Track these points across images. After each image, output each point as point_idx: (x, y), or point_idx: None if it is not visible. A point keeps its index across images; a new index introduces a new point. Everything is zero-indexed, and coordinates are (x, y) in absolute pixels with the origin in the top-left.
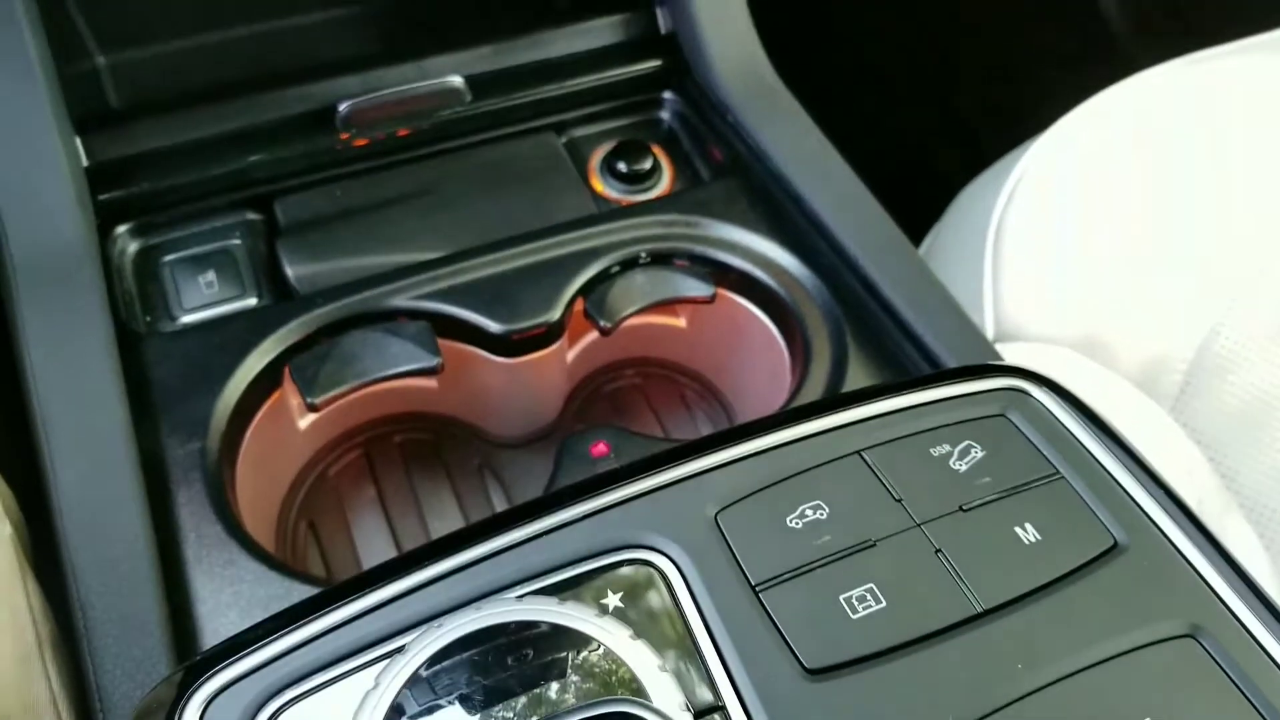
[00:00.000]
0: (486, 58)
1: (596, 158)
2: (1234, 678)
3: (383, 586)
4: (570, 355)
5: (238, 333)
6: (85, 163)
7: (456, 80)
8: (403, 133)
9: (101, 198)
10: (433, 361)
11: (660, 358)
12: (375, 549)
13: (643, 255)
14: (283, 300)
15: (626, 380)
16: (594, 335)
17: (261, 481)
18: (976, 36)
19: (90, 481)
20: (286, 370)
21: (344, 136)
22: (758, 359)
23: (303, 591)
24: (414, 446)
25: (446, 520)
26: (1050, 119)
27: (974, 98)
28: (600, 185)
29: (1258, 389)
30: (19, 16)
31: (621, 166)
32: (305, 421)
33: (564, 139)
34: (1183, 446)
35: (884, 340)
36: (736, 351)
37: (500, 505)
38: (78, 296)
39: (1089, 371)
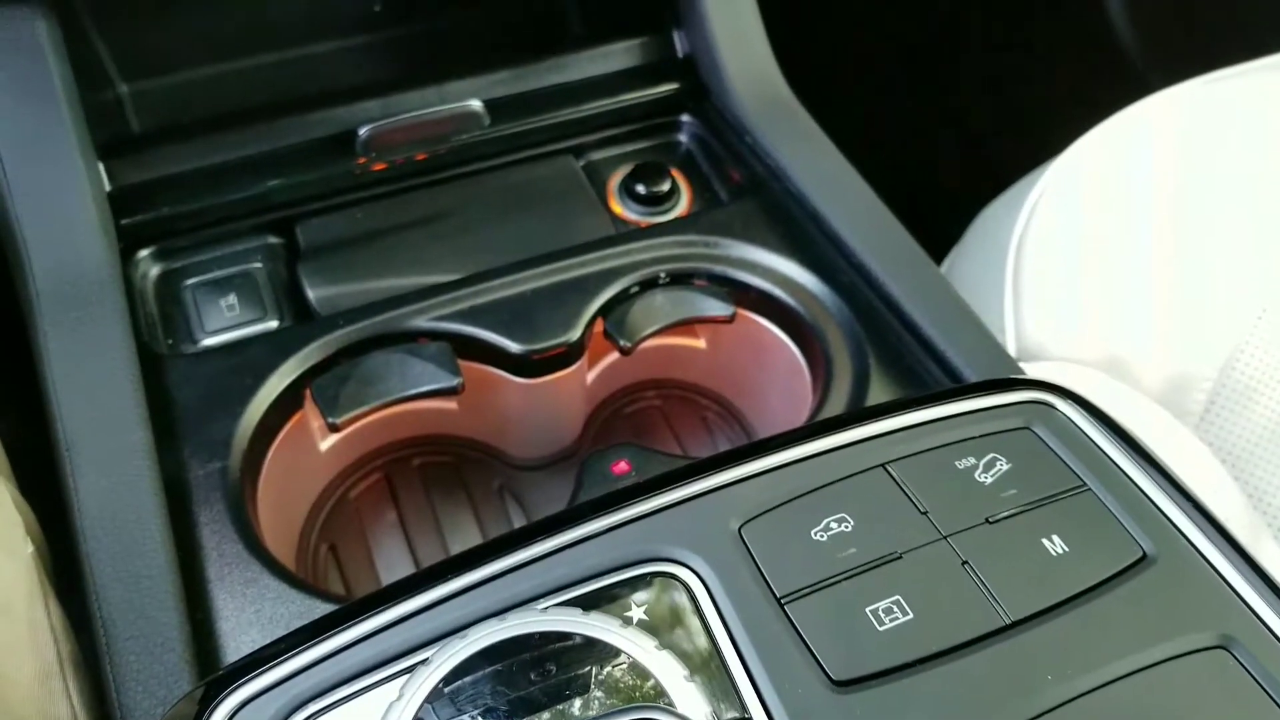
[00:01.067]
0: (505, 82)
1: (615, 180)
2: (1267, 689)
3: (406, 600)
4: (590, 376)
5: (259, 355)
6: (108, 187)
7: (475, 104)
8: (421, 156)
9: (124, 222)
10: (453, 381)
11: (680, 379)
12: (396, 572)
13: (662, 276)
14: (304, 322)
15: (646, 402)
16: (614, 356)
17: (283, 503)
18: (985, 55)
19: (112, 501)
20: (308, 391)
21: (363, 160)
22: (778, 379)
23: (324, 609)
24: (434, 469)
25: (467, 543)
26: (1062, 139)
27: (982, 116)
28: (619, 208)
29: None
30: (43, 45)
31: (640, 189)
32: (326, 444)
33: (582, 162)
34: (1209, 465)
35: (906, 358)
36: (757, 371)
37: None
38: (100, 320)
39: (1112, 390)
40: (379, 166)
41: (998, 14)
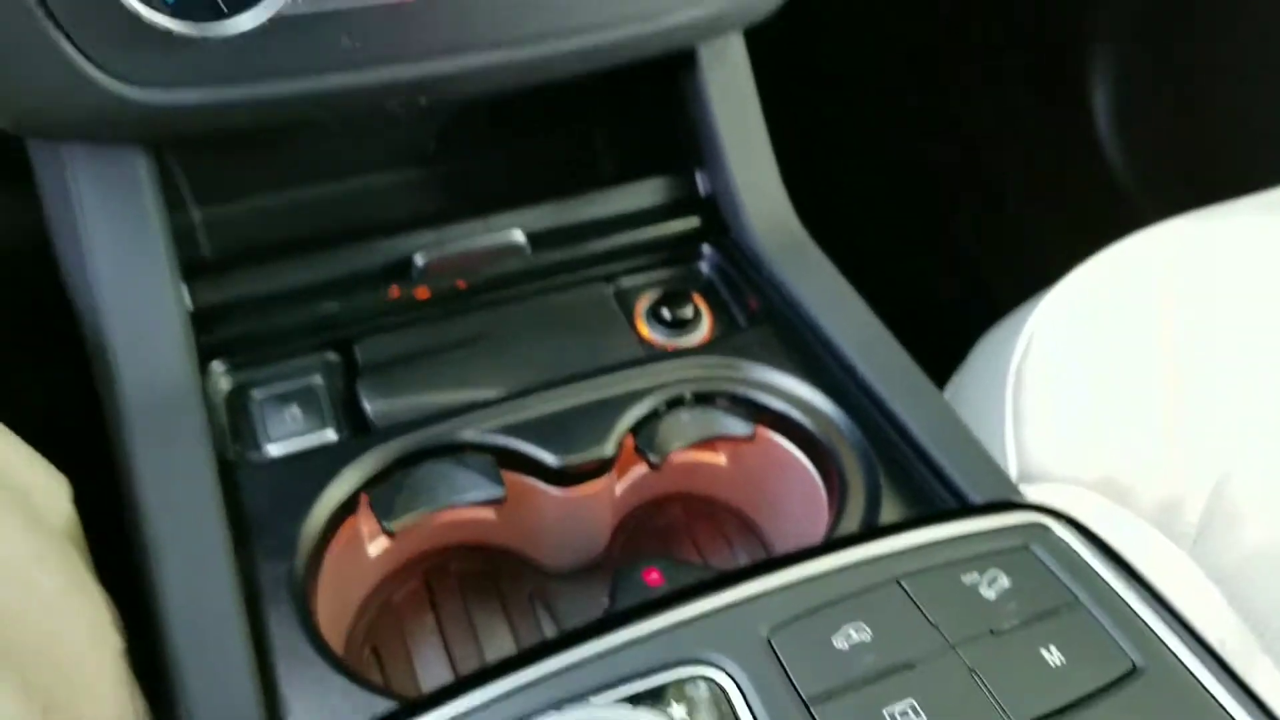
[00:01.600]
0: (544, 215)
1: (642, 305)
2: None
3: (471, 693)
4: (619, 488)
5: (321, 464)
6: (190, 308)
7: (519, 236)
8: (465, 284)
9: (201, 339)
10: (498, 492)
11: (702, 492)
12: (434, 674)
13: (687, 395)
14: (360, 432)
15: (669, 514)
16: (640, 470)
17: (333, 605)
18: (978, 178)
19: (196, 601)
20: (363, 499)
21: (416, 286)
22: (795, 494)
23: (389, 706)
24: (471, 576)
25: (501, 649)
26: (1051, 263)
27: (977, 241)
28: (646, 330)
29: (1271, 532)
30: (142, 180)
31: (665, 314)
32: (374, 549)
33: (613, 288)
34: (1201, 585)
35: (914, 478)
36: (775, 487)
37: (551, 633)
38: (184, 431)
39: (1108, 512)
40: (431, 291)
41: (982, 140)
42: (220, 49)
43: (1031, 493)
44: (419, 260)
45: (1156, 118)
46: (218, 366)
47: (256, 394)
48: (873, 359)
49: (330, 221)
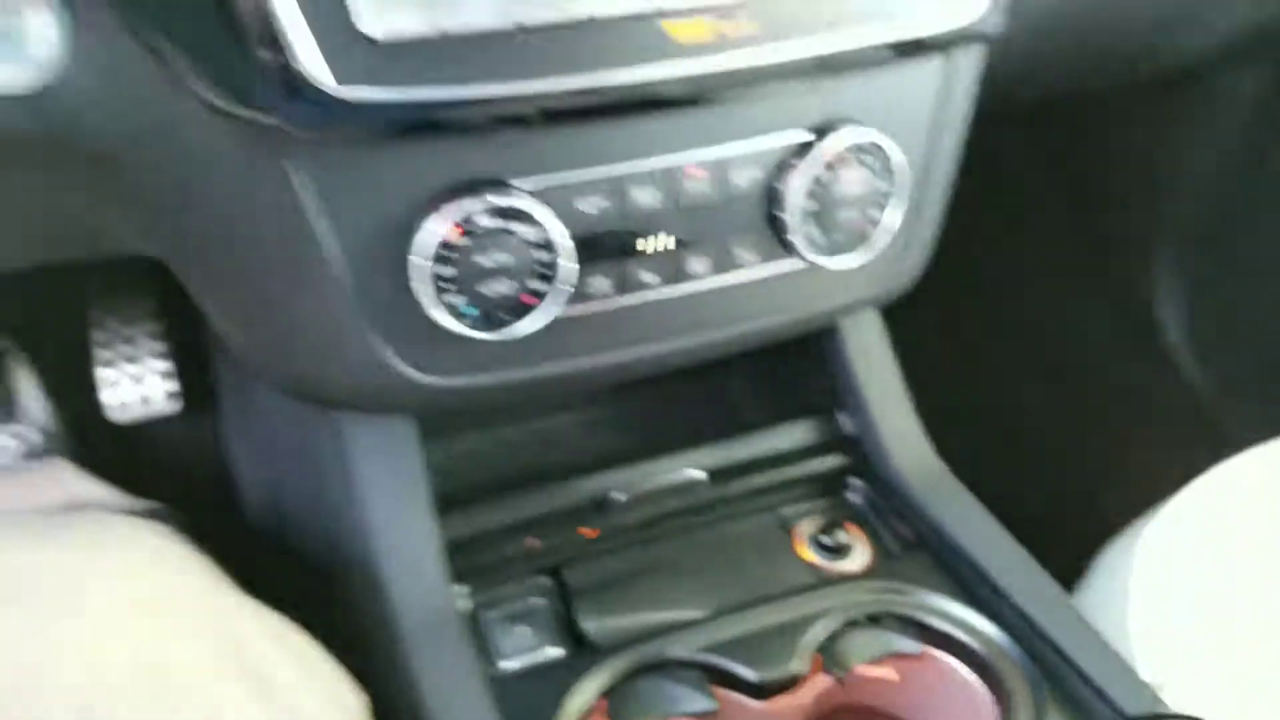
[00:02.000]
0: (715, 454)
1: (801, 531)
2: None
3: None
4: (805, 700)
5: (557, 678)
6: (442, 542)
7: (701, 474)
8: (644, 519)
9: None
10: (712, 705)
11: (874, 705)
12: None
13: (861, 617)
14: (582, 649)
15: None
16: (822, 683)
17: None
18: (1066, 402)
19: None
20: (598, 708)
21: (615, 519)
22: (960, 708)
23: None
24: None
25: None
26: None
27: (1080, 460)
28: (809, 555)
29: None
30: (412, 438)
31: (825, 541)
32: None
33: (775, 517)
34: None
35: (1070, 690)
36: (941, 701)
37: None
38: (456, 651)
39: (1236, 710)
40: (625, 523)
41: (1070, 365)
42: (501, 346)
43: (1167, 696)
44: (619, 497)
45: (1228, 331)
46: (458, 590)
47: (489, 615)
48: (1019, 580)
49: (537, 465)
